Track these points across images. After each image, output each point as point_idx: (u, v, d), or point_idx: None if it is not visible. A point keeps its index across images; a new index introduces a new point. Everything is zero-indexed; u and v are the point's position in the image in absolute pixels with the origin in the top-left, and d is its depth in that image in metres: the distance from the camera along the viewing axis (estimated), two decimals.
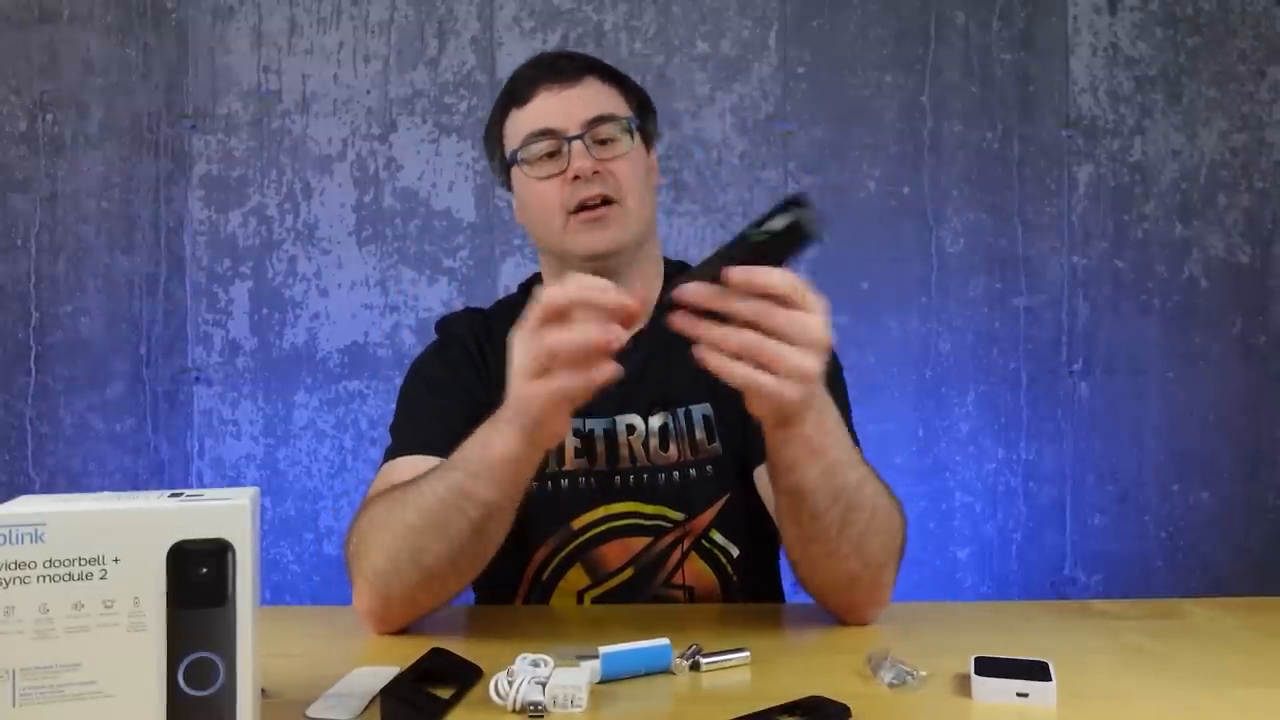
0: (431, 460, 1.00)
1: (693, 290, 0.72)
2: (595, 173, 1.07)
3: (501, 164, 1.16)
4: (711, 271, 0.72)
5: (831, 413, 0.84)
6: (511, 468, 0.84)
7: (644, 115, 1.16)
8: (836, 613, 0.98)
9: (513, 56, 2.07)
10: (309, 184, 2.08)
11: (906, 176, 2.09)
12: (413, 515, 0.89)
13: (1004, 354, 2.09)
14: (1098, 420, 2.09)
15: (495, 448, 0.84)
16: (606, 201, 1.08)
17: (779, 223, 0.70)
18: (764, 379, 0.73)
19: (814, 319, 0.73)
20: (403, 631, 0.95)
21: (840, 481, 0.86)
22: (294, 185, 2.08)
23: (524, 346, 0.77)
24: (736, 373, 0.73)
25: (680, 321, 0.73)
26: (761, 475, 1.08)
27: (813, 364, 0.73)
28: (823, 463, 0.84)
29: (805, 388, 0.75)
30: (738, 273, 0.71)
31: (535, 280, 1.23)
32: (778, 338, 0.72)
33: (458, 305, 2.05)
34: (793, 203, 0.70)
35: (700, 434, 1.12)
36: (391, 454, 1.07)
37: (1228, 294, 2.09)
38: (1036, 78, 2.10)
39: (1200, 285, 2.10)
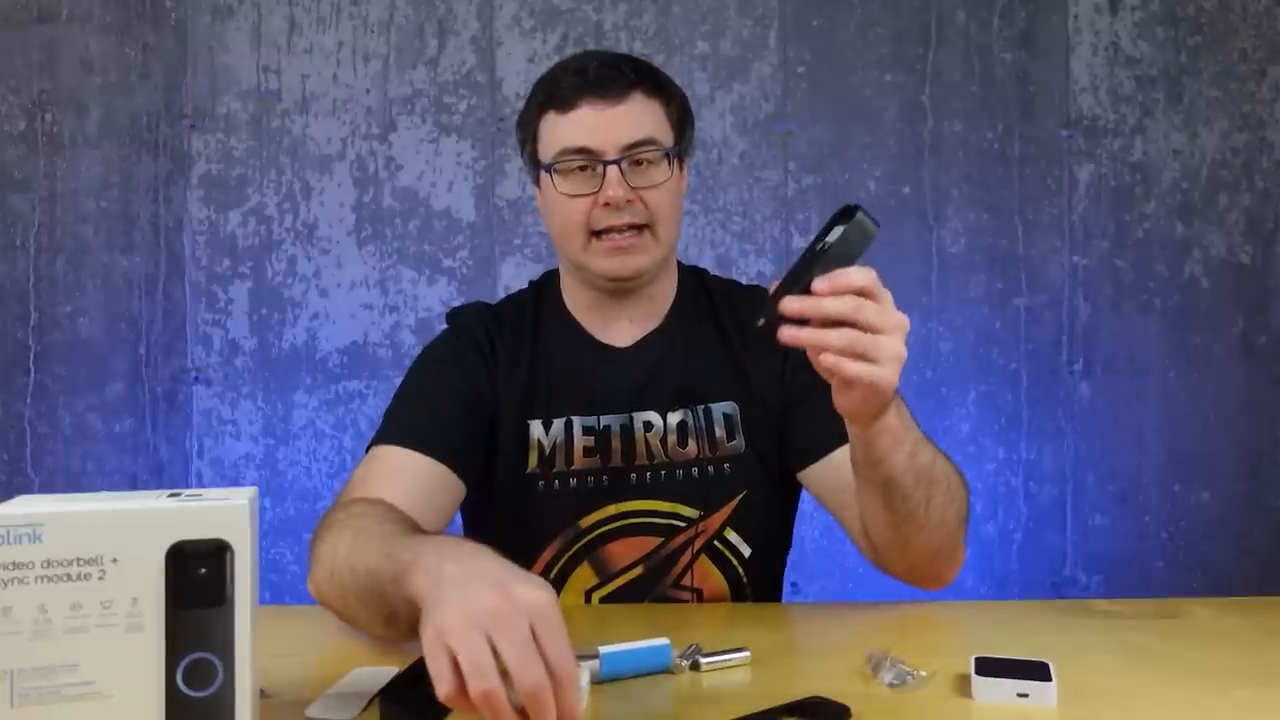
0: (418, 457, 1.01)
1: (795, 304, 0.77)
2: (628, 201, 1.05)
3: (532, 161, 1.14)
4: (793, 287, 0.78)
5: (901, 400, 0.90)
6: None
7: (683, 128, 1.13)
8: (919, 584, 1.03)
9: (512, 56, 2.07)
10: (308, 184, 2.08)
11: (906, 176, 2.09)
12: (348, 573, 0.82)
13: (1004, 354, 2.09)
14: (1098, 420, 2.09)
15: (405, 586, 0.71)
16: (635, 228, 1.07)
17: (838, 233, 0.77)
18: (873, 369, 0.78)
19: (892, 308, 0.79)
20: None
21: (921, 461, 0.92)
22: (293, 185, 2.08)
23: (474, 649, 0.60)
24: (851, 370, 0.78)
25: (789, 335, 0.77)
26: (818, 474, 1.09)
27: (902, 347, 0.79)
28: (906, 447, 0.90)
29: (898, 370, 0.80)
30: (822, 282, 0.76)
31: (547, 279, 1.22)
32: (869, 330, 0.77)
33: (457, 305, 2.05)
34: (847, 211, 0.78)
35: (720, 431, 1.12)
36: (381, 437, 1.06)
37: (1229, 294, 2.09)
38: (1037, 77, 2.09)
39: (1201, 285, 2.09)
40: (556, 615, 0.62)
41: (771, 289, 0.79)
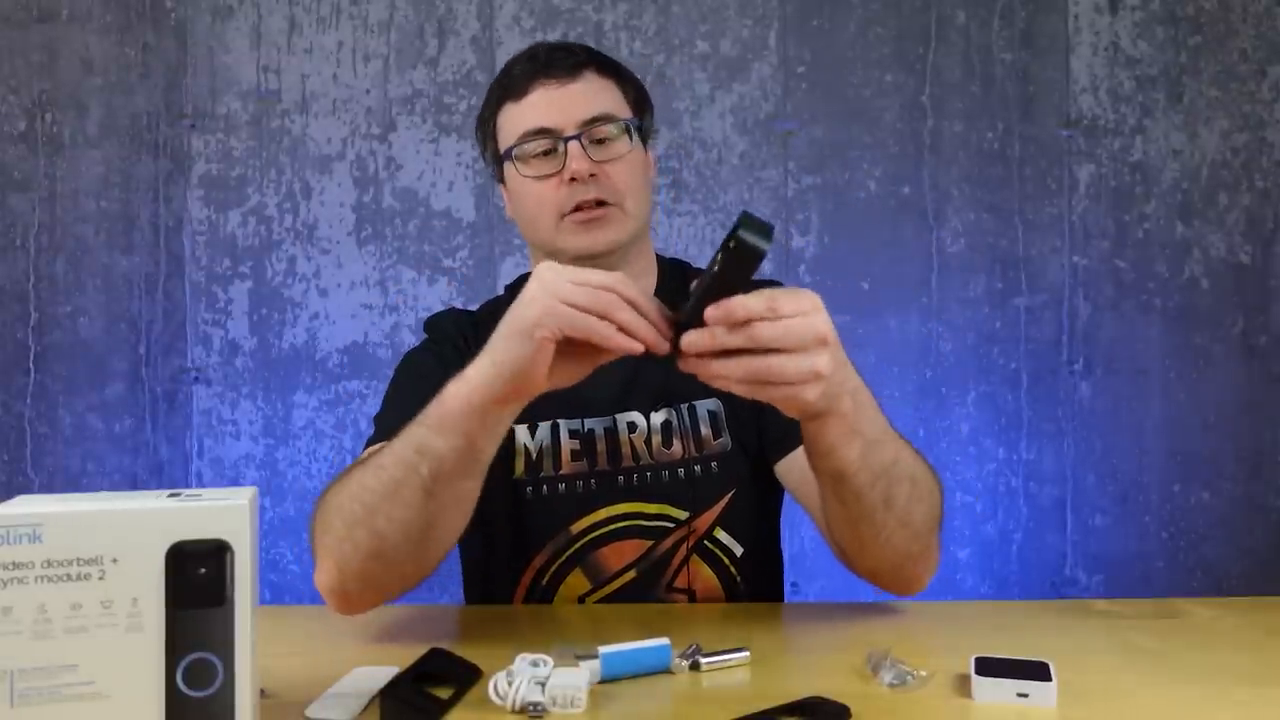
0: None
1: (691, 343, 0.75)
2: (592, 175, 1.05)
3: (494, 157, 1.14)
4: (696, 313, 0.75)
5: (864, 393, 0.85)
6: (468, 413, 0.82)
7: (641, 109, 1.13)
8: (890, 589, 0.99)
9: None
10: (308, 184, 2.08)
11: (906, 176, 2.09)
12: (370, 476, 0.87)
13: (1004, 354, 2.09)
14: (1098, 420, 2.09)
15: (454, 395, 0.83)
16: (602, 204, 1.06)
17: (721, 260, 0.73)
18: (775, 393, 0.76)
19: (803, 320, 0.75)
20: (402, 632, 0.95)
21: (879, 459, 0.86)
22: (293, 185, 2.08)
23: (578, 286, 0.78)
24: (763, 395, 0.77)
25: (688, 366, 0.77)
26: (790, 467, 1.08)
27: (817, 362, 0.76)
28: (860, 442, 0.84)
29: (820, 385, 0.76)
30: (713, 314, 0.74)
31: (524, 281, 1.22)
32: (775, 350, 0.75)
33: (457, 305, 2.04)
34: (737, 226, 0.72)
35: (706, 430, 1.11)
36: (374, 439, 1.05)
37: (1229, 294, 2.09)
38: (1037, 77, 2.09)
39: (1201, 285, 2.09)
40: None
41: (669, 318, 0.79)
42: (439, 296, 2.08)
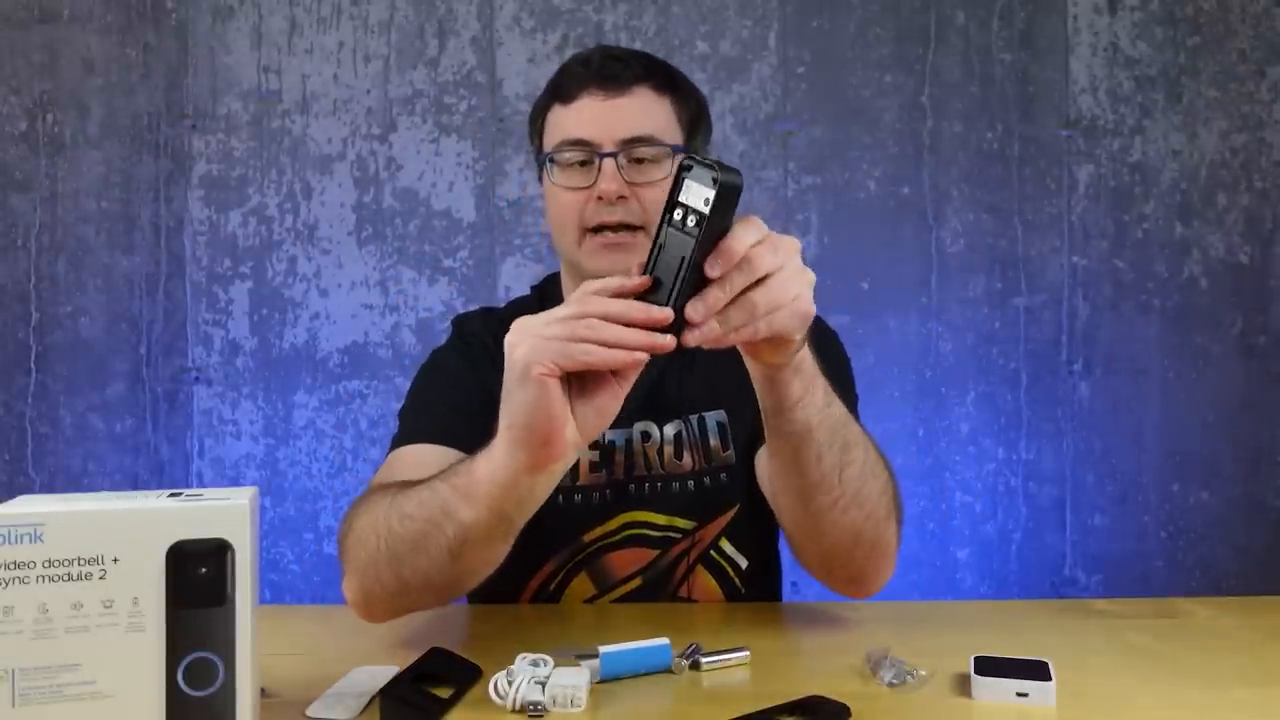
0: (441, 449, 0.98)
1: (710, 306, 0.70)
2: (622, 198, 1.02)
3: (537, 157, 1.12)
4: (692, 280, 0.70)
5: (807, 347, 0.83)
6: (495, 489, 0.78)
7: (695, 129, 1.10)
8: (845, 586, 0.97)
9: (513, 56, 2.07)
10: (309, 184, 2.08)
11: (906, 176, 2.09)
12: (396, 521, 0.85)
13: (1004, 354, 2.09)
14: (1098, 420, 2.09)
15: (480, 466, 0.79)
16: (629, 228, 1.03)
17: (705, 201, 0.68)
18: (793, 309, 0.72)
19: (773, 234, 0.72)
20: (402, 631, 0.95)
21: (835, 414, 0.85)
22: (294, 185, 2.08)
23: (552, 322, 0.73)
24: (769, 327, 0.72)
25: (692, 338, 0.71)
26: (761, 456, 1.05)
27: (806, 272, 0.74)
28: (820, 389, 0.83)
29: (810, 292, 0.74)
30: (714, 266, 0.70)
31: (549, 281, 1.21)
32: (770, 275, 0.71)
33: (458, 305, 2.05)
34: (701, 169, 0.68)
35: (715, 441, 1.10)
36: (400, 440, 1.04)
37: (1228, 294, 2.09)
38: (1036, 78, 2.09)
39: (1200, 285, 2.09)
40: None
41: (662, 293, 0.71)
42: (439, 297, 2.08)
